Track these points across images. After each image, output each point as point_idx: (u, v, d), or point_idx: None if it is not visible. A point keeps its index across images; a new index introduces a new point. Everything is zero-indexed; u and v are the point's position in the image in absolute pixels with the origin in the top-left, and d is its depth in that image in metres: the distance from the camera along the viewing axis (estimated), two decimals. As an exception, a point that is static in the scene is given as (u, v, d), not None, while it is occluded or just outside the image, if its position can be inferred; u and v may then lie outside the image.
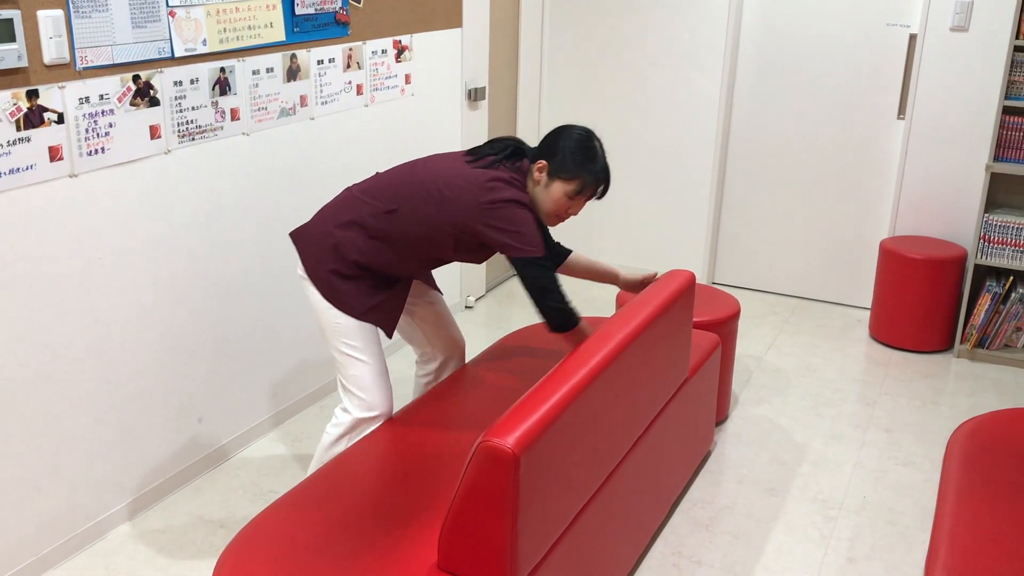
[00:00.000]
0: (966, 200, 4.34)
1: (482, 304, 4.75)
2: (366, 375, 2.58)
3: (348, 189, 2.63)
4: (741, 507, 3.07)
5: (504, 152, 2.52)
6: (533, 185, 2.53)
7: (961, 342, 4.21)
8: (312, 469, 2.68)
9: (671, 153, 4.90)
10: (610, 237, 5.17)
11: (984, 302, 4.11)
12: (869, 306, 4.70)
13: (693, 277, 2.88)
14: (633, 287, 2.98)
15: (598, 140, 2.57)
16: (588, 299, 4.82)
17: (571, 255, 2.91)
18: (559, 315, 2.47)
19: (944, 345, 4.27)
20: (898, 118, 4.42)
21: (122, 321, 2.79)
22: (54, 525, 2.70)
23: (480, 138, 4.50)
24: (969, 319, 4.19)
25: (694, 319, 3.36)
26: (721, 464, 3.32)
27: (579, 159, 2.49)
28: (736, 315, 3.47)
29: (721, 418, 3.57)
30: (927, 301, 4.17)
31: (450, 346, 2.97)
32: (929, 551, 2.24)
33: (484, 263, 2.66)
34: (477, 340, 4.27)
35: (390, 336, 2.65)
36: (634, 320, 2.49)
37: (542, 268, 2.43)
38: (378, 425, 2.59)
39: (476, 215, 2.41)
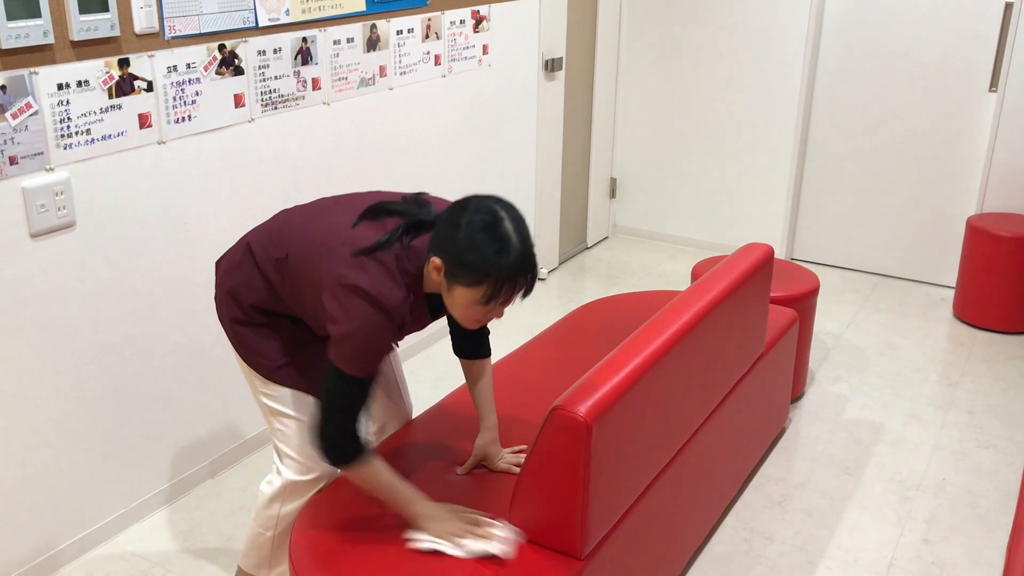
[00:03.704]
0: (1061, 176, 4.18)
1: (555, 276, 4.76)
2: (295, 432, 2.13)
3: (243, 236, 2.17)
4: (815, 485, 3.03)
5: (398, 232, 1.90)
6: (434, 278, 1.89)
7: (1051, 323, 4.07)
8: (249, 532, 2.27)
9: (751, 125, 4.81)
10: (688, 210, 5.12)
11: (1077, 282, 3.96)
12: (954, 285, 4.57)
13: (771, 251, 2.83)
14: (484, 447, 2.26)
15: (510, 218, 1.81)
16: (661, 273, 4.78)
17: (478, 362, 2.25)
18: (332, 445, 1.91)
19: (1032, 326, 4.13)
20: (990, 91, 4.26)
21: (206, 285, 2.87)
22: (141, 480, 2.80)
23: (556, 110, 4.48)
24: (1060, 300, 4.04)
25: (772, 294, 3.32)
26: (795, 441, 3.28)
27: (480, 257, 1.78)
28: (815, 291, 3.41)
29: (797, 395, 3.53)
30: (1015, 280, 4.04)
31: (389, 415, 2.46)
32: (1012, 535, 2.19)
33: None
34: (550, 312, 4.29)
35: (316, 396, 2.06)
36: (710, 293, 2.47)
37: (351, 386, 1.87)
38: (321, 487, 2.17)
39: (328, 287, 1.89)
